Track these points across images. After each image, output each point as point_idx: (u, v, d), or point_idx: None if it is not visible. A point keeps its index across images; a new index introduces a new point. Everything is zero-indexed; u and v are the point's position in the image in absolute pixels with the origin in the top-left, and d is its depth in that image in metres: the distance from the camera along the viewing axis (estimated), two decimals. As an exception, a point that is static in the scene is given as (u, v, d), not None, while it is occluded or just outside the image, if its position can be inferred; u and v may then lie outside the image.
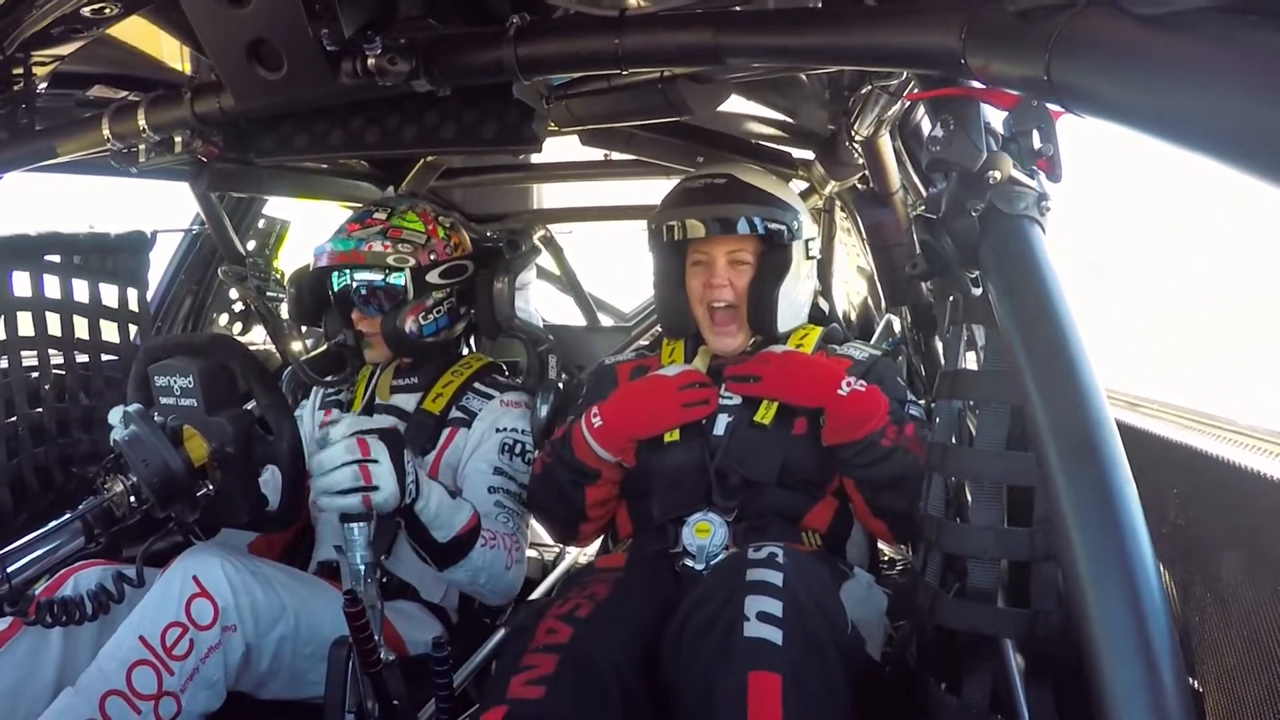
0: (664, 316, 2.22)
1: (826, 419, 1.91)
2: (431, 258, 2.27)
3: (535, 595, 2.69)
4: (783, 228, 2.02)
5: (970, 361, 1.52)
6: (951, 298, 1.45)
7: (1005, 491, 1.34)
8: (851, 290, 2.98)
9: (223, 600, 1.70)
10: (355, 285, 2.27)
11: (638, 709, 1.51)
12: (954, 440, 1.44)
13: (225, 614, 1.70)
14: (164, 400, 1.68)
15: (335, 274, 2.30)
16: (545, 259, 3.39)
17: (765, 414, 1.99)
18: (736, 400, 2.04)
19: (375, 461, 1.64)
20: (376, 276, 2.25)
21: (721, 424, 2.03)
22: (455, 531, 1.84)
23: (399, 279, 2.24)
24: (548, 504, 2.10)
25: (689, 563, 1.90)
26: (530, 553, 3.12)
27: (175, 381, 1.68)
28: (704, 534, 1.90)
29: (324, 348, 2.35)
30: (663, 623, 1.64)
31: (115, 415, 1.73)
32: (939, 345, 2.47)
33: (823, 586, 1.60)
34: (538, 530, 3.41)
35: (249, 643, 1.74)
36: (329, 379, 2.40)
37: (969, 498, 1.43)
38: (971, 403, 1.46)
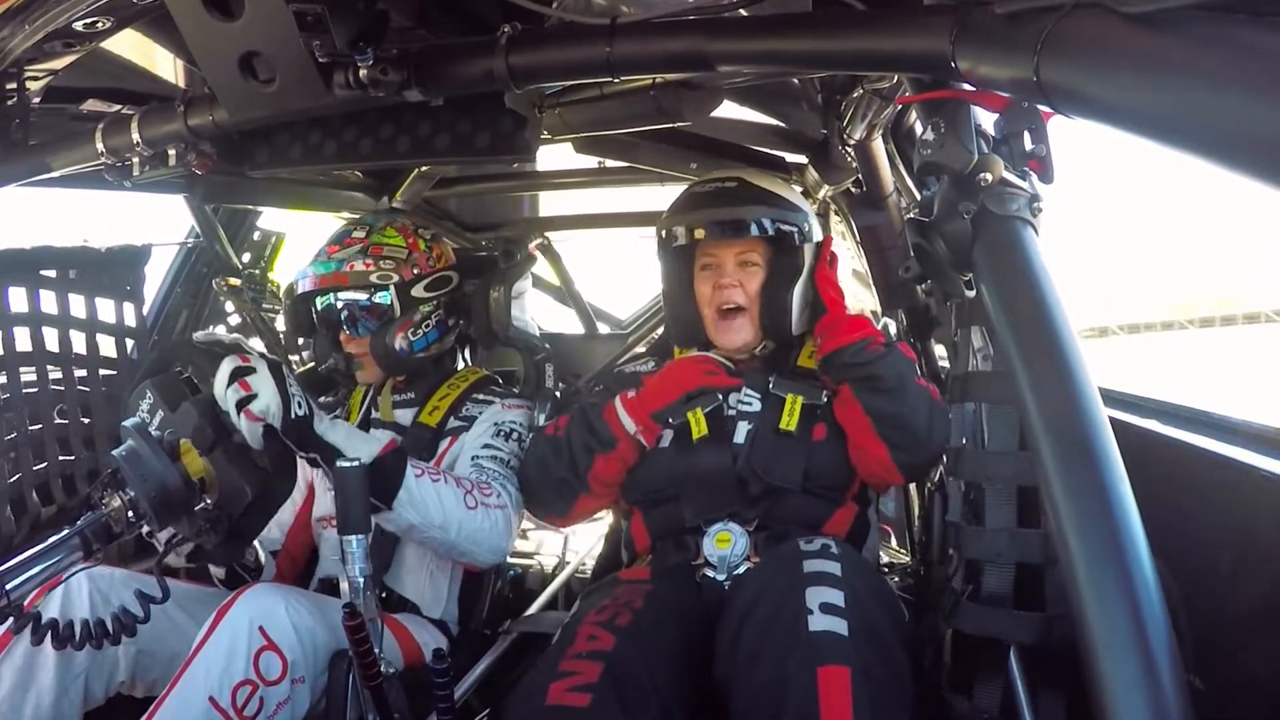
0: (674, 324, 2.21)
1: (824, 328, 1.96)
2: (415, 271, 2.26)
3: (536, 605, 2.68)
4: (794, 229, 2.02)
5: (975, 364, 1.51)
6: (959, 301, 1.46)
7: (1017, 493, 1.33)
8: (847, 294, 2.98)
9: (291, 654, 1.67)
10: (340, 307, 2.25)
11: (675, 714, 1.51)
12: (965, 443, 1.44)
13: (294, 667, 1.67)
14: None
15: (319, 298, 2.28)
16: (542, 268, 3.40)
17: (789, 421, 1.98)
18: (756, 407, 2.03)
19: (253, 370, 1.65)
20: (361, 296, 2.23)
21: (742, 431, 2.01)
22: (375, 454, 1.78)
23: (384, 297, 2.23)
24: (554, 467, 2.02)
25: (710, 574, 1.89)
26: (529, 561, 3.12)
27: (142, 407, 1.69)
28: (725, 544, 1.89)
29: (311, 365, 2.34)
30: (690, 635, 1.64)
31: None
32: (935, 348, 2.48)
33: (875, 574, 1.62)
34: (539, 538, 3.42)
35: (312, 690, 1.72)
36: (322, 400, 2.39)
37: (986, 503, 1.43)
38: (981, 405, 1.46)
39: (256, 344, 3.14)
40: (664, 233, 2.10)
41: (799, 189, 2.57)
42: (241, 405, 1.61)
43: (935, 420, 1.87)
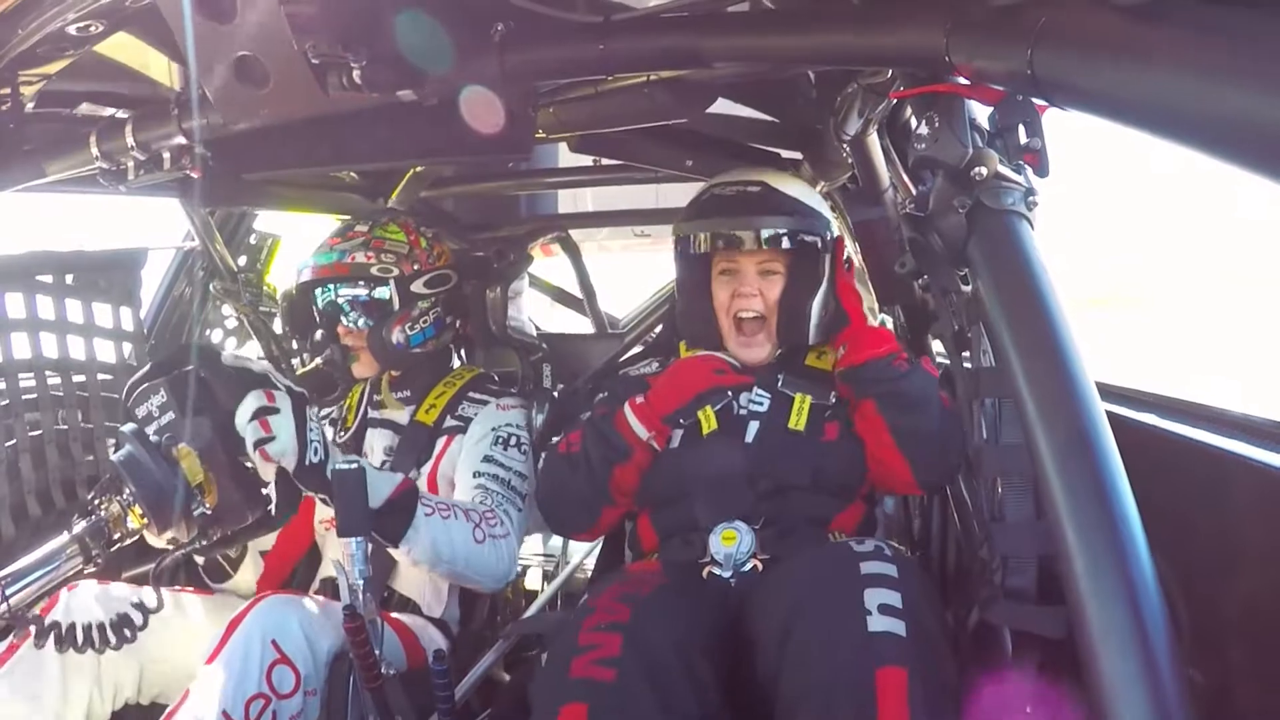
0: (687, 326, 2.17)
1: (847, 340, 1.94)
2: (415, 267, 2.27)
3: (536, 605, 2.69)
4: (816, 239, 2.00)
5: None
6: (967, 296, 1.45)
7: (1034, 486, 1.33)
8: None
9: (305, 667, 1.68)
10: (340, 299, 2.26)
11: (705, 688, 1.51)
12: (986, 438, 1.44)
13: (307, 680, 1.68)
14: (149, 428, 1.68)
15: (319, 290, 2.29)
16: (540, 267, 3.38)
17: (798, 420, 1.97)
18: (765, 407, 2.02)
19: (276, 410, 1.63)
20: (361, 290, 2.24)
21: (751, 430, 2.00)
22: (386, 496, 1.76)
23: (384, 291, 2.24)
24: (573, 485, 2.00)
25: (716, 571, 1.88)
26: (528, 561, 3.12)
27: (151, 402, 1.68)
28: (730, 542, 1.87)
29: (311, 365, 2.34)
30: (704, 622, 1.63)
31: None
32: (932, 343, 2.48)
33: (925, 576, 1.63)
34: (537, 540, 3.42)
35: (323, 701, 1.73)
36: (322, 400, 2.40)
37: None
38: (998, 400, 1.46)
39: (254, 348, 3.15)
40: (682, 236, 2.07)
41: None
42: (259, 444, 1.61)
43: (956, 437, 1.86)
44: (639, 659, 1.45)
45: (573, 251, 3.42)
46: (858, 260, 2.48)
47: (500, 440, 2.18)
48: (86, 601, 1.84)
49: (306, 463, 1.66)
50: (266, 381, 1.68)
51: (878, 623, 1.42)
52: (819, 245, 2.01)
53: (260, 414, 1.62)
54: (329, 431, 1.76)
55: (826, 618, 1.48)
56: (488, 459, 2.14)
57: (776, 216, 1.99)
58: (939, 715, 1.36)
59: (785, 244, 1.98)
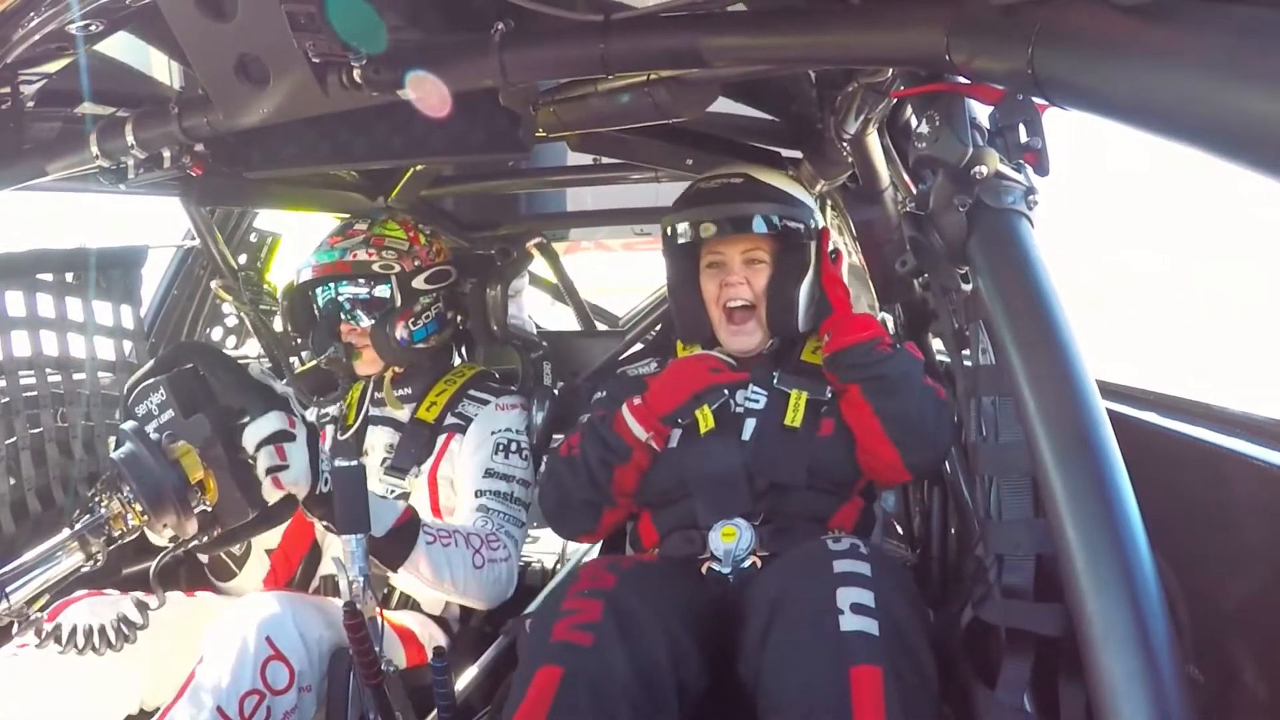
0: (680, 320, 2.19)
1: (831, 326, 1.95)
2: (416, 264, 2.28)
3: (535, 602, 2.68)
4: (800, 226, 2.02)
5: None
6: (966, 294, 1.45)
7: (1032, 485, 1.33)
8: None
9: (299, 664, 1.68)
10: (341, 298, 2.26)
11: (687, 663, 1.52)
12: (985, 436, 1.44)
13: (301, 676, 1.68)
14: (149, 426, 1.67)
15: (320, 289, 2.30)
16: (540, 265, 3.38)
17: (794, 416, 1.98)
18: (761, 404, 2.03)
19: (293, 438, 1.63)
20: (362, 288, 2.25)
21: (748, 428, 2.01)
22: (389, 525, 1.79)
23: (385, 289, 2.25)
24: (575, 488, 2.01)
25: (715, 567, 1.89)
26: (529, 559, 3.12)
27: (151, 400, 1.67)
28: (730, 538, 1.88)
29: (312, 363, 2.34)
30: (697, 609, 1.65)
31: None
32: (933, 342, 2.48)
33: (903, 573, 1.64)
34: (539, 536, 3.42)
35: (319, 697, 1.73)
36: (320, 399, 2.40)
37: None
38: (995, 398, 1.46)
39: (254, 346, 3.15)
40: (669, 229, 2.08)
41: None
42: (270, 470, 1.61)
43: (942, 420, 1.89)
44: (617, 624, 1.48)
45: (550, 255, 3.42)
46: (858, 258, 2.48)
47: (500, 447, 2.20)
48: (88, 607, 1.84)
49: (318, 491, 1.68)
50: (287, 405, 1.67)
51: (850, 622, 1.43)
52: (803, 233, 2.02)
53: (277, 439, 1.61)
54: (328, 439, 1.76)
55: (800, 619, 1.49)
56: (489, 473, 2.16)
57: (759, 203, 2.02)
58: (916, 712, 1.37)
59: (765, 228, 2.00)
